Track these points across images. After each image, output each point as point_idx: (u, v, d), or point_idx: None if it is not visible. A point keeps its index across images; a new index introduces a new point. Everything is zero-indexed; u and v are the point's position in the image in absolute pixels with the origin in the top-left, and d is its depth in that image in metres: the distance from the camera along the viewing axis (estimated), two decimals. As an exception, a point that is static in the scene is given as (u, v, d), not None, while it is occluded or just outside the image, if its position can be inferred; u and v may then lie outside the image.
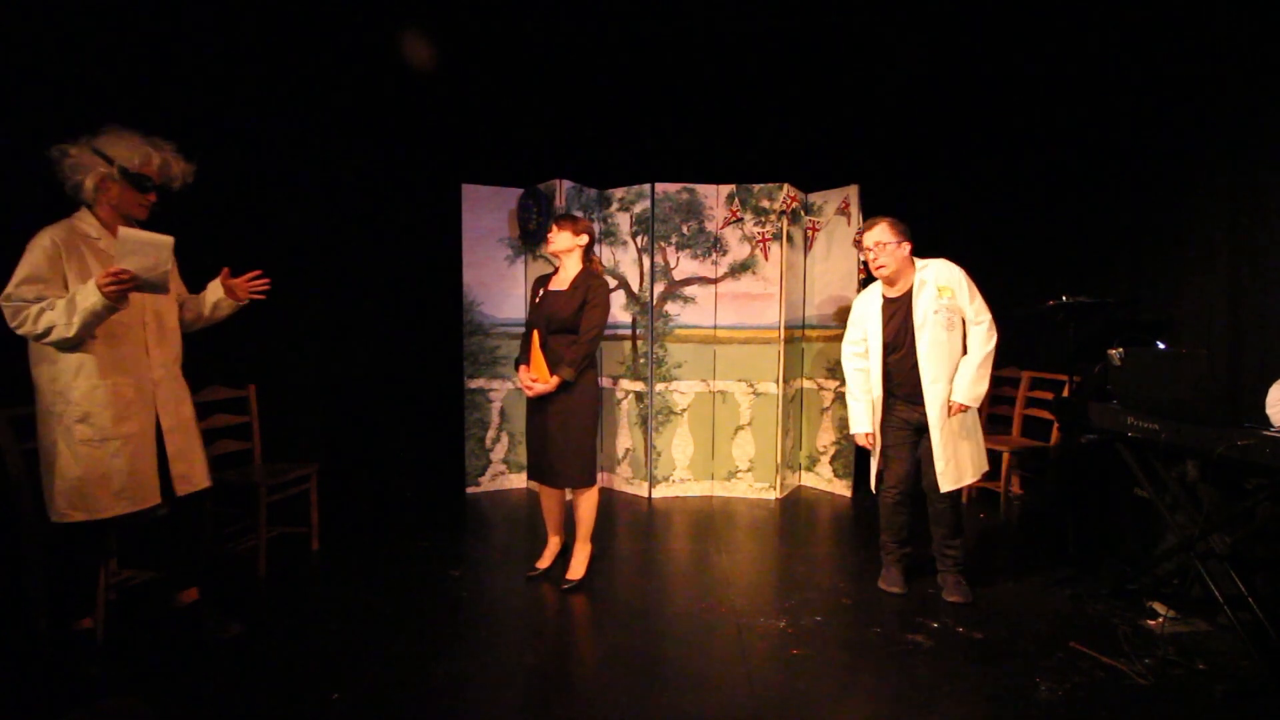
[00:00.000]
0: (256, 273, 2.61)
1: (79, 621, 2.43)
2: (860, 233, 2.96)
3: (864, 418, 3.05)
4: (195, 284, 2.73)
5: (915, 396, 2.91)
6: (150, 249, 2.18)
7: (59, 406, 2.28)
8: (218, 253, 3.62)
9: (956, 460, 2.89)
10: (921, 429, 2.93)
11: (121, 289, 2.15)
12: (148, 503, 2.42)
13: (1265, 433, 2.25)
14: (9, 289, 2.19)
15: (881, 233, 2.87)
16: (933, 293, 2.86)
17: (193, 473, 2.57)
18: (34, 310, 2.18)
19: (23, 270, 2.20)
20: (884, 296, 2.97)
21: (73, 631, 2.42)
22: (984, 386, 2.87)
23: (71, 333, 2.17)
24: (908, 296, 2.90)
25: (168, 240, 2.22)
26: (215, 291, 2.61)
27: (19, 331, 2.21)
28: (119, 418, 2.33)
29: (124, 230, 2.18)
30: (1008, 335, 2.94)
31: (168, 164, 2.43)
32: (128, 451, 2.35)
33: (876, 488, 3.11)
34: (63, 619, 2.41)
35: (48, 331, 2.18)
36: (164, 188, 2.45)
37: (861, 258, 2.97)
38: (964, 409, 2.86)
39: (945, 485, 2.89)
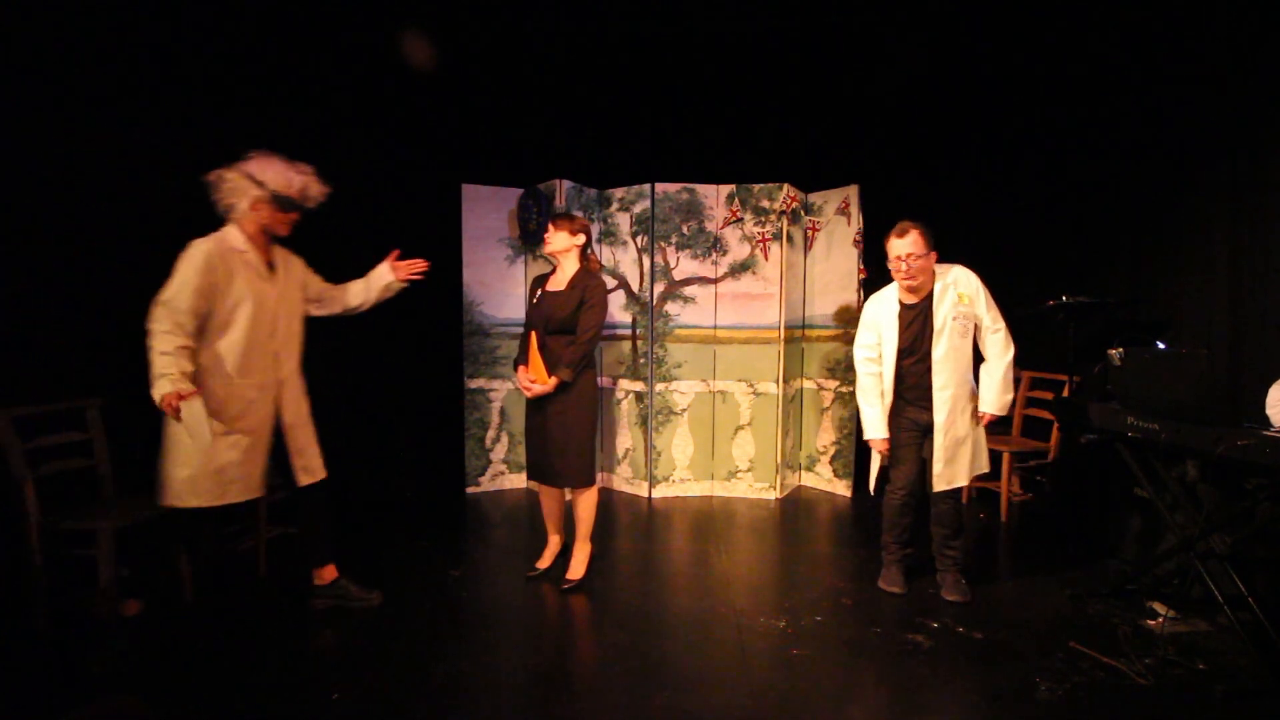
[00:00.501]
0: (419, 261, 2.98)
1: (126, 605, 2.62)
2: (886, 237, 2.89)
3: (880, 423, 3.00)
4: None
5: (925, 400, 2.91)
6: (197, 423, 2.39)
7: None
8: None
9: (955, 463, 2.91)
10: (929, 430, 2.93)
11: (171, 411, 2.34)
12: (254, 494, 2.65)
13: (1265, 433, 2.24)
14: (166, 295, 2.40)
15: (914, 244, 2.79)
16: (953, 299, 2.85)
17: (312, 465, 2.79)
18: (163, 335, 2.37)
19: (179, 279, 2.42)
20: (901, 302, 2.94)
21: (118, 614, 2.60)
22: (1010, 394, 2.91)
23: (152, 374, 2.37)
24: (927, 302, 2.88)
25: (207, 443, 2.44)
26: (387, 275, 2.95)
27: (150, 333, 2.39)
28: (239, 415, 2.55)
29: (205, 419, 2.40)
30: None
31: (308, 186, 2.64)
32: (243, 446, 2.58)
33: (876, 489, 3.10)
34: (121, 597, 2.63)
35: (150, 358, 2.37)
36: (303, 207, 2.67)
37: (892, 264, 2.87)
38: (994, 418, 2.91)
39: (939, 485, 2.91)
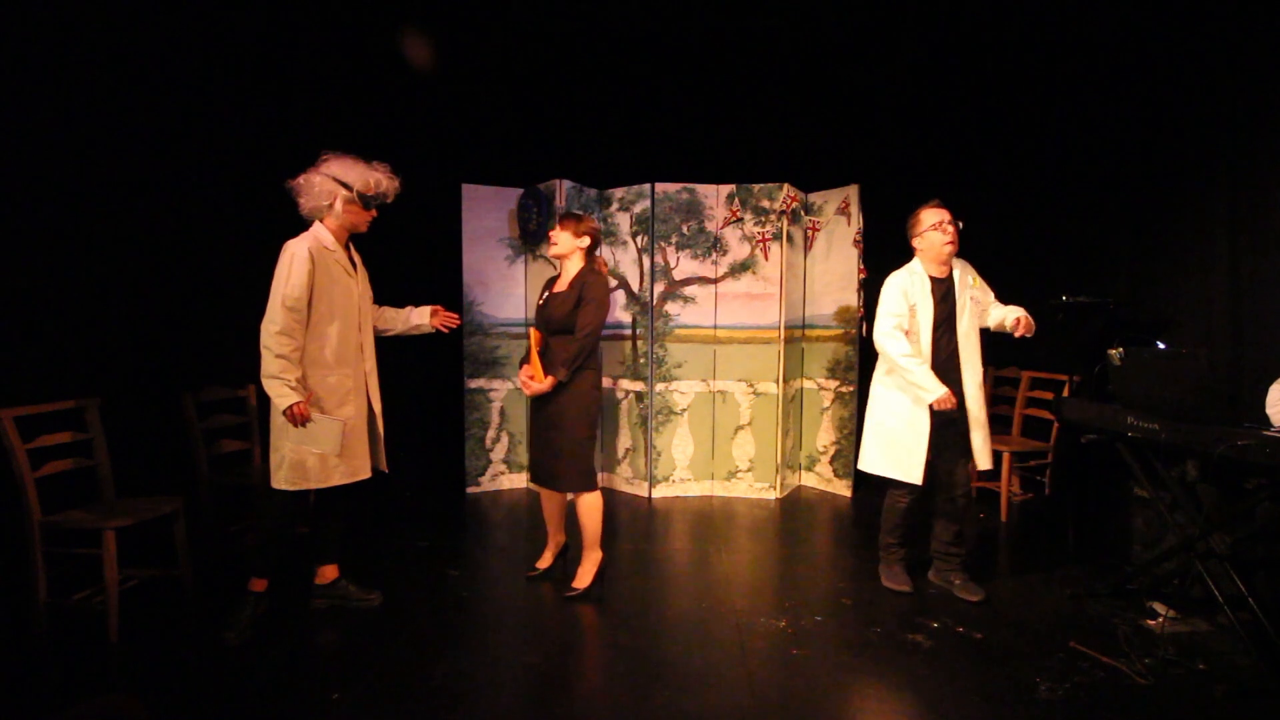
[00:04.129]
0: (455, 316, 3.08)
1: (254, 583, 2.68)
2: (915, 213, 2.98)
3: (934, 379, 2.83)
4: (172, 282, 2.95)
5: (952, 385, 2.86)
6: (330, 438, 2.62)
7: None
8: (220, 251, 3.63)
9: (986, 441, 2.97)
10: (943, 425, 2.93)
11: (293, 420, 2.52)
12: (360, 475, 2.77)
13: (1265, 433, 2.24)
14: (286, 298, 2.52)
15: (950, 216, 2.92)
16: (969, 281, 2.98)
17: (383, 454, 2.89)
18: (280, 338, 2.49)
19: (294, 280, 2.54)
20: (931, 277, 2.94)
21: (247, 593, 2.67)
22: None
23: (266, 377, 2.51)
24: (950, 279, 2.97)
25: (334, 451, 2.64)
26: (423, 316, 3.03)
27: (265, 334, 2.50)
28: (340, 403, 2.69)
29: (335, 421, 2.63)
30: (1008, 335, 2.96)
31: (386, 183, 2.74)
32: (347, 430, 2.68)
33: (926, 479, 2.93)
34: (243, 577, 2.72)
35: (265, 359, 2.50)
36: (384, 204, 2.77)
37: (935, 230, 2.92)
38: (1028, 321, 2.88)
39: (982, 463, 2.96)
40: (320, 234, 2.67)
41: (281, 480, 2.61)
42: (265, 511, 2.74)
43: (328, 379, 2.65)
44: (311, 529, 2.98)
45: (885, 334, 2.90)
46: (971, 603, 2.91)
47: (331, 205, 2.66)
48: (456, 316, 3.08)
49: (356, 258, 2.83)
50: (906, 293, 2.92)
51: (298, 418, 2.51)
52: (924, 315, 2.92)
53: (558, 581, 3.11)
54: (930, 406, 2.85)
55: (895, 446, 2.97)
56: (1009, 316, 2.93)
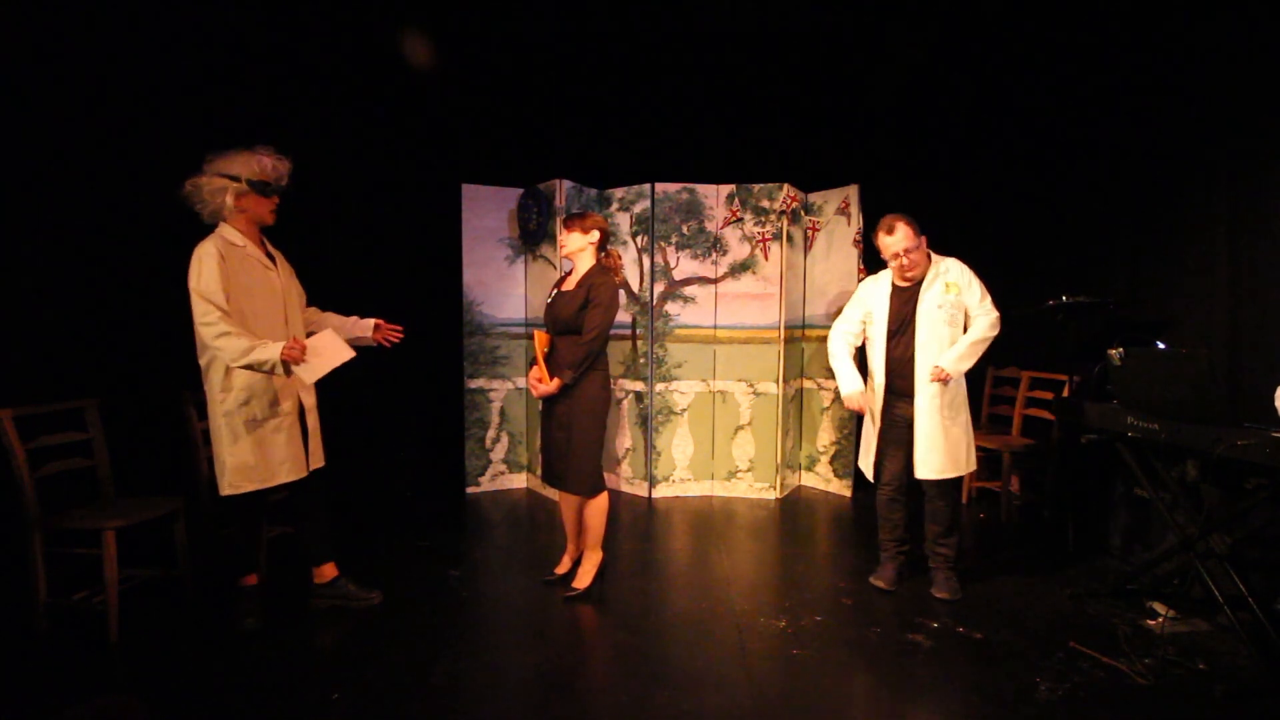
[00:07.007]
0: (399, 328, 3.01)
1: (244, 579, 2.78)
2: (874, 234, 2.97)
3: (854, 378, 3.06)
4: (172, 283, 2.82)
5: (911, 391, 2.93)
6: (335, 352, 2.64)
7: (220, 394, 2.61)
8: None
9: (940, 450, 2.90)
10: (913, 424, 2.95)
11: (293, 360, 2.51)
12: (303, 472, 2.77)
13: (1273, 433, 2.23)
14: (203, 293, 2.49)
15: (905, 237, 2.87)
16: (941, 288, 2.92)
17: (318, 451, 2.89)
18: (216, 322, 2.47)
19: (205, 271, 2.51)
20: (894, 285, 3.02)
21: (238, 588, 2.77)
22: (969, 364, 2.89)
23: (233, 365, 2.51)
24: (918, 287, 2.95)
25: (349, 355, 2.68)
26: (366, 329, 2.96)
27: (204, 334, 2.49)
28: (275, 400, 2.67)
29: (332, 335, 2.67)
30: (1008, 335, 2.96)
31: (275, 165, 2.70)
32: (285, 426, 2.70)
33: (875, 477, 3.09)
34: (231, 577, 2.82)
35: (218, 350, 2.49)
36: (280, 188, 2.73)
37: (890, 260, 2.93)
38: (943, 378, 2.85)
39: (921, 472, 2.91)
40: (225, 232, 2.63)
41: (228, 485, 2.61)
42: (230, 518, 2.78)
43: (256, 379, 2.61)
44: (295, 531, 2.99)
45: (833, 331, 3.17)
46: (938, 599, 2.93)
47: (226, 202, 2.61)
48: (399, 329, 3.00)
49: (274, 251, 2.79)
50: (865, 299, 3.09)
51: (296, 352, 2.48)
52: (879, 321, 3.02)
53: (559, 582, 3.11)
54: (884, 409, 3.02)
55: (864, 440, 3.16)
56: (944, 354, 2.88)
